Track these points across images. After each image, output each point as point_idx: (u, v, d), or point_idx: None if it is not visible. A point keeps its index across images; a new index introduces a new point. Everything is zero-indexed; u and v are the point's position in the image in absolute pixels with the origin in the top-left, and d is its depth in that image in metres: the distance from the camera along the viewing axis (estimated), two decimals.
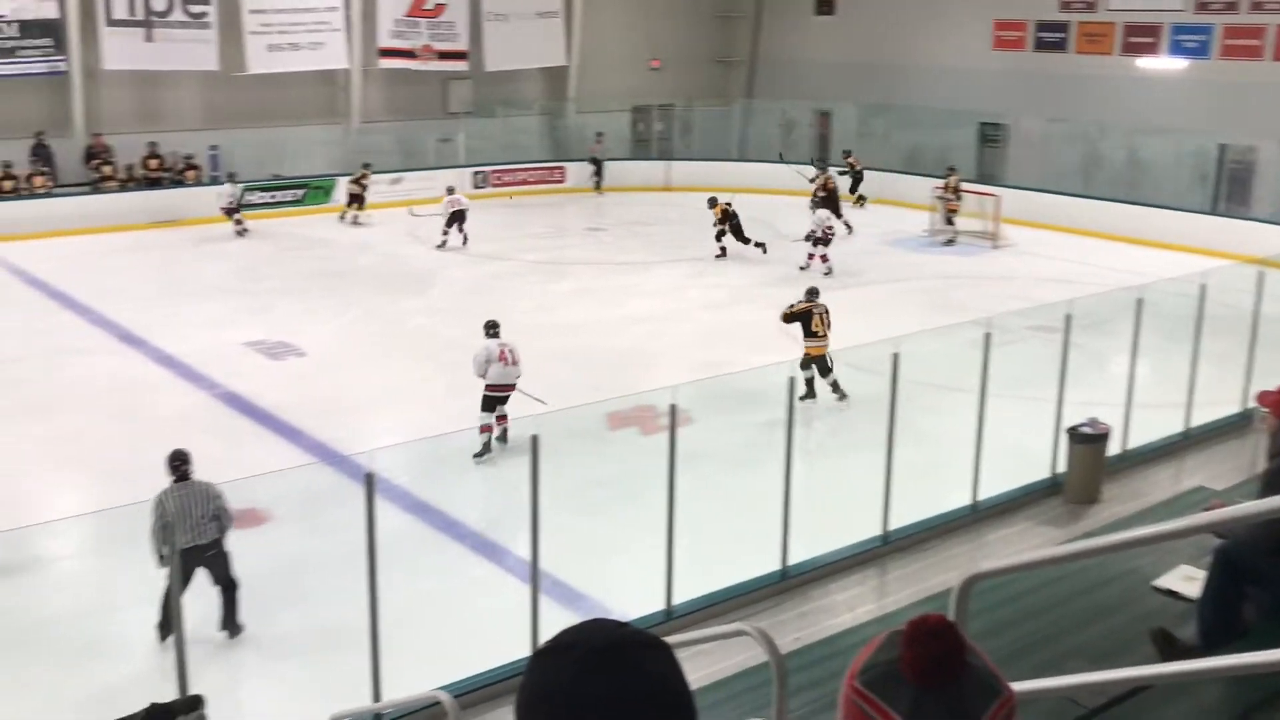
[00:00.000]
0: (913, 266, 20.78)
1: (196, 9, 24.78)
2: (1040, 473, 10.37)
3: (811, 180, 23.73)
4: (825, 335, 12.93)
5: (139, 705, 5.59)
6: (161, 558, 7.53)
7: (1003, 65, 26.87)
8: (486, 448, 11.35)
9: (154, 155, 24.76)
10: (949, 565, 8.86)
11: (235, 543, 9.42)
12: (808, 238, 19.91)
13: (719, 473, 10.59)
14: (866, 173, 26.15)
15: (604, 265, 20.31)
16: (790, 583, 8.63)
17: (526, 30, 29.28)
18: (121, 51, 24.17)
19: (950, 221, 22.91)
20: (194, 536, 7.80)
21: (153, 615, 7.70)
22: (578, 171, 28.85)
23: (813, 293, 13.35)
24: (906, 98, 27.78)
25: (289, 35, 26.07)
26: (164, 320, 16.31)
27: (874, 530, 9.29)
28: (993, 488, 10.03)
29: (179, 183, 24.80)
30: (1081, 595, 4.99)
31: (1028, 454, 10.56)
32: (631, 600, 8.23)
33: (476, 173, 28.04)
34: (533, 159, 29.65)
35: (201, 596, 7.89)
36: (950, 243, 22.59)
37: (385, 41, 27.57)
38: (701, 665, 5.49)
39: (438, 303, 17.99)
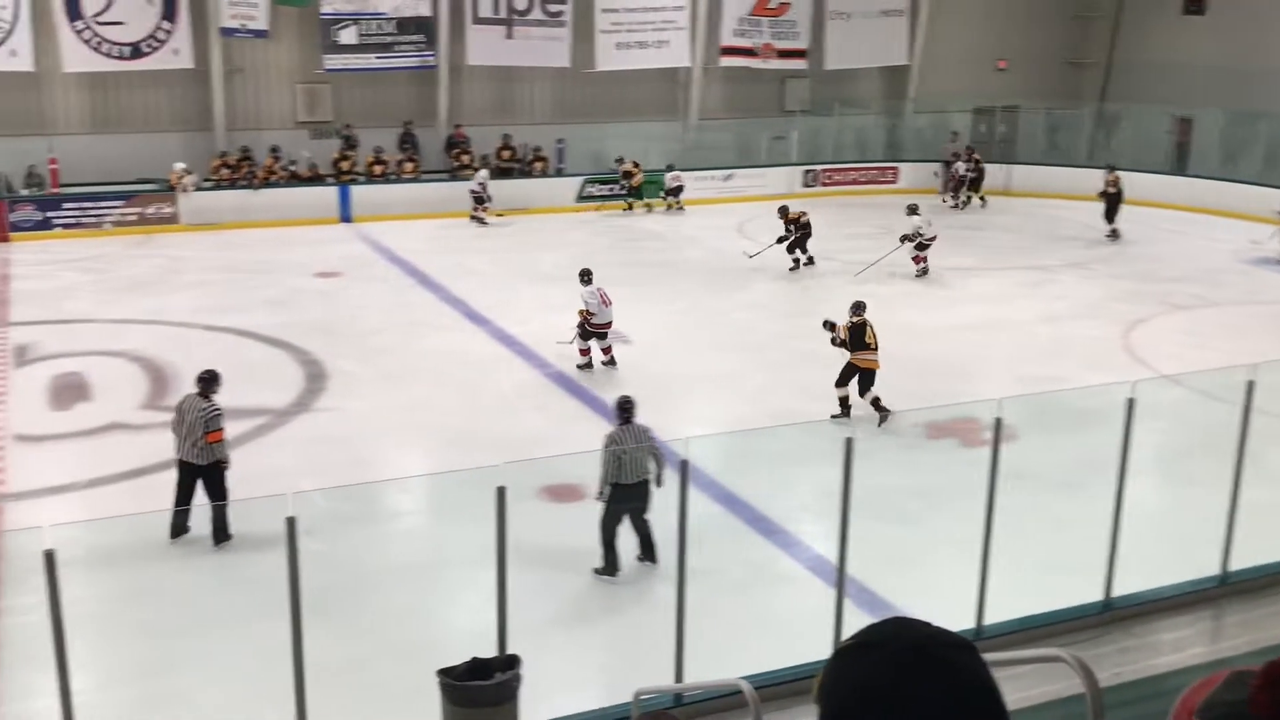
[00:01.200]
0: (1276, 288, 19.05)
1: (554, 8, 26.10)
2: None
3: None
4: (876, 348, 12.46)
5: (461, 659, 6.00)
6: (600, 494, 8.57)
7: None
8: (589, 366, 14.07)
9: (506, 146, 26.31)
10: None
11: (555, 516, 9.93)
12: (910, 239, 19.16)
13: (1041, 493, 10.13)
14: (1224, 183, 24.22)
15: (933, 269, 19.82)
16: (1113, 615, 8.13)
17: (869, 29, 28.97)
18: (484, 48, 25.84)
19: None
20: (636, 473, 8.63)
21: (482, 576, 8.18)
22: (911, 173, 28.29)
23: (859, 307, 12.80)
24: None
25: (636, 34, 27.00)
26: (506, 302, 17.33)
27: (1211, 569, 8.60)
28: None
29: (527, 173, 26.24)
30: None
31: None
32: (939, 615, 7.93)
33: (807, 171, 28.04)
34: (866, 159, 29.33)
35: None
36: None
37: (727, 40, 28.03)
38: (1011, 690, 5.27)
39: (761, 298, 18.14)
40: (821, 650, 6.79)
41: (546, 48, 26.21)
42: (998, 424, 7.43)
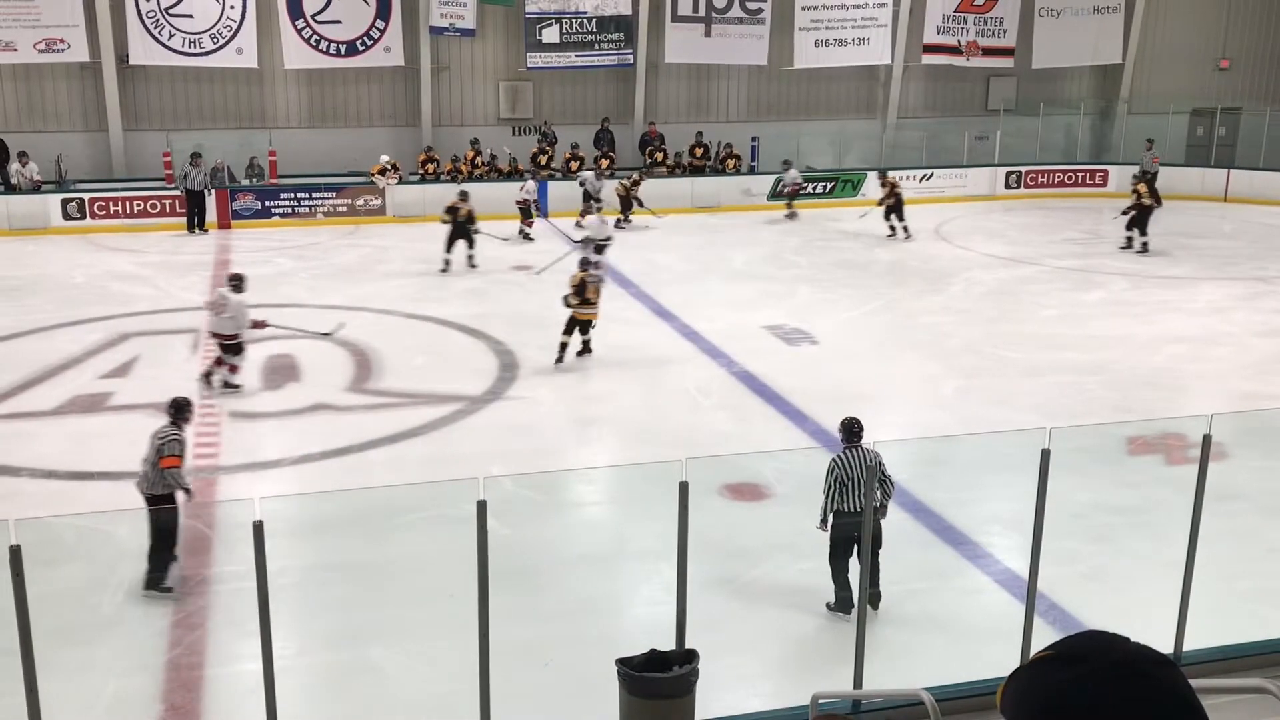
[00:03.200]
0: None
1: (754, 5, 26.08)
2: None
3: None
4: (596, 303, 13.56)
5: (639, 650, 6.07)
6: (824, 521, 7.90)
7: None
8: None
9: (699, 144, 26.41)
10: None
11: (737, 514, 9.92)
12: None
13: (1251, 516, 9.57)
14: None
15: (1142, 277, 18.93)
16: None
17: (1080, 26, 27.90)
18: (682, 45, 26.02)
19: None
20: (861, 501, 7.71)
21: (662, 569, 8.26)
22: (1119, 176, 27.10)
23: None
24: None
25: (836, 31, 26.72)
26: (695, 299, 17.41)
27: None
28: None
29: (719, 171, 26.29)
30: None
31: None
32: (1134, 636, 7.66)
33: (1010, 172, 27.21)
34: (1072, 160, 28.25)
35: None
36: None
37: (931, 38, 27.44)
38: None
39: (956, 303, 17.70)
40: (1006, 665, 6.59)
41: (744, 45, 26.20)
42: (1206, 441, 7.05)
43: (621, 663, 6.14)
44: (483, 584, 5.86)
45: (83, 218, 22.28)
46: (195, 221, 22.33)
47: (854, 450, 8.01)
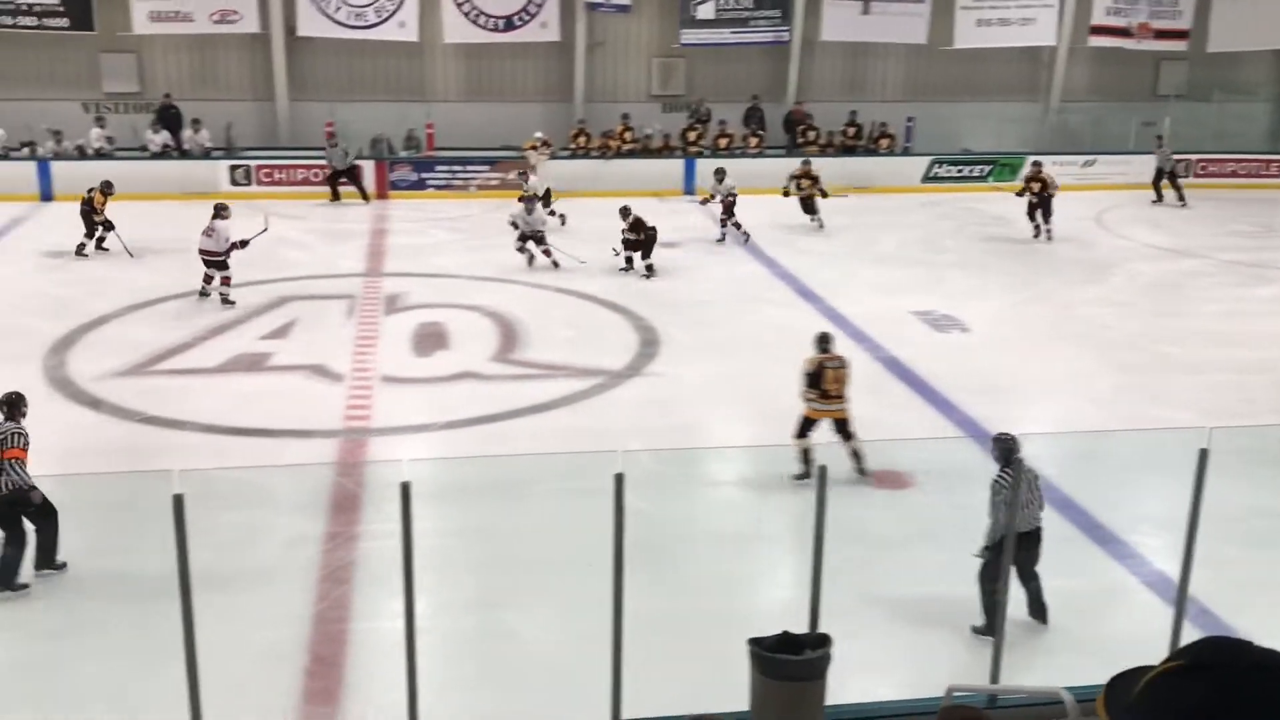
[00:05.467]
0: None
1: None
2: None
3: None
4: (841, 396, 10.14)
5: (772, 631, 6.05)
6: (983, 550, 7.59)
7: None
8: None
9: (852, 123, 26.01)
10: None
11: (876, 500, 9.80)
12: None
13: None
14: None
15: None
16: None
17: (1264, 8, 26.47)
18: (839, 23, 25.63)
19: None
20: (1027, 520, 7.54)
21: (797, 552, 8.19)
22: None
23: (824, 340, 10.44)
24: None
25: (999, 10, 25.96)
26: (841, 281, 17.19)
27: None
28: None
29: (872, 151, 25.86)
30: None
31: None
32: None
33: (1179, 160, 26.07)
34: (1249, 149, 26.91)
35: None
36: None
37: (1100, 18, 26.44)
38: None
39: (1116, 294, 17.08)
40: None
41: (903, 23, 25.66)
42: None
43: (753, 642, 6.13)
44: (618, 556, 5.91)
45: (249, 184, 23.17)
46: (356, 193, 23.01)
47: (1017, 469, 7.46)
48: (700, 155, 24.84)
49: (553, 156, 24.32)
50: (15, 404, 8.53)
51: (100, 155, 23.13)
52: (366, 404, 12.08)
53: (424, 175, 23.93)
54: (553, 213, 20.00)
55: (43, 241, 19.07)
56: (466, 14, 24.64)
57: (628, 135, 25.00)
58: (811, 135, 25.64)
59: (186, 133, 23.90)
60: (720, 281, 17.38)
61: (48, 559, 8.28)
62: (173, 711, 5.83)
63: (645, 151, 24.97)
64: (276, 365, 13.28)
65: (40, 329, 14.14)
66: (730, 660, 6.14)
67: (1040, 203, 20.09)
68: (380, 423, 11.61)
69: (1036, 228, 20.23)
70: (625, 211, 17.59)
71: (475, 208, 22.73)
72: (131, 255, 17.85)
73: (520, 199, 19.20)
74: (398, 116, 24.77)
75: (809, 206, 20.77)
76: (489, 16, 24.72)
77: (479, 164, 24.12)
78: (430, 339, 14.32)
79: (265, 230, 16.43)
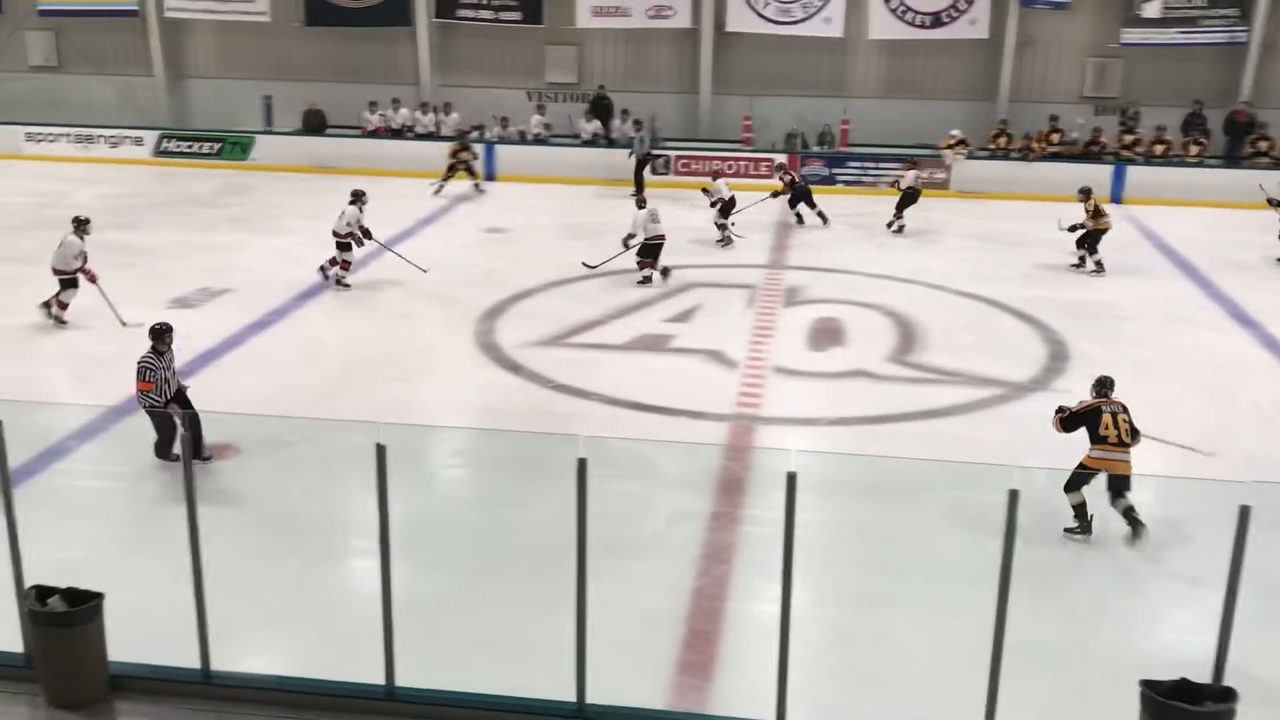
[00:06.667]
0: None
1: None
2: None
3: None
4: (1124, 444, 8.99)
5: (1167, 675, 5.59)
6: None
7: None
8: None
9: None
10: None
11: None
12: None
13: None
14: None
15: None
16: None
17: None
18: None
19: None
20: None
21: (1205, 596, 7.54)
22: None
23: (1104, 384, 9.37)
24: None
25: None
26: None
27: None
28: None
29: None
30: None
31: None
32: None
33: None
34: None
35: None
36: None
37: None
38: None
39: None
40: None
41: None
42: None
43: (1146, 684, 5.73)
44: (1005, 575, 5.70)
45: (667, 173, 24.18)
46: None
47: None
48: (1132, 162, 23.27)
49: (970, 156, 23.66)
50: (160, 334, 9.87)
51: (538, 140, 24.97)
52: (758, 392, 12.31)
53: (835, 171, 23.99)
54: (724, 227, 19.18)
55: (482, 219, 20.87)
56: (894, 10, 24.42)
57: (1054, 137, 23.81)
58: (1263, 145, 23.32)
59: (615, 122, 25.30)
60: (1145, 298, 16.21)
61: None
62: (559, 658, 6.24)
63: (1070, 154, 23.69)
64: (677, 348, 13.81)
65: (475, 298, 15.50)
66: (1115, 700, 5.77)
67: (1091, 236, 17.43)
68: (770, 412, 11.79)
69: (1081, 259, 17.63)
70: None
71: (884, 205, 22.50)
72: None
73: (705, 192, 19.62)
74: (814, 111, 24.98)
75: None
76: (917, 13, 24.37)
77: (891, 161, 23.87)
78: (826, 334, 14.36)
79: (422, 269, 16.38)
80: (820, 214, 20.58)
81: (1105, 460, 8.96)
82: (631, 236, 16.45)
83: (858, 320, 14.86)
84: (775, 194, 20.71)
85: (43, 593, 6.40)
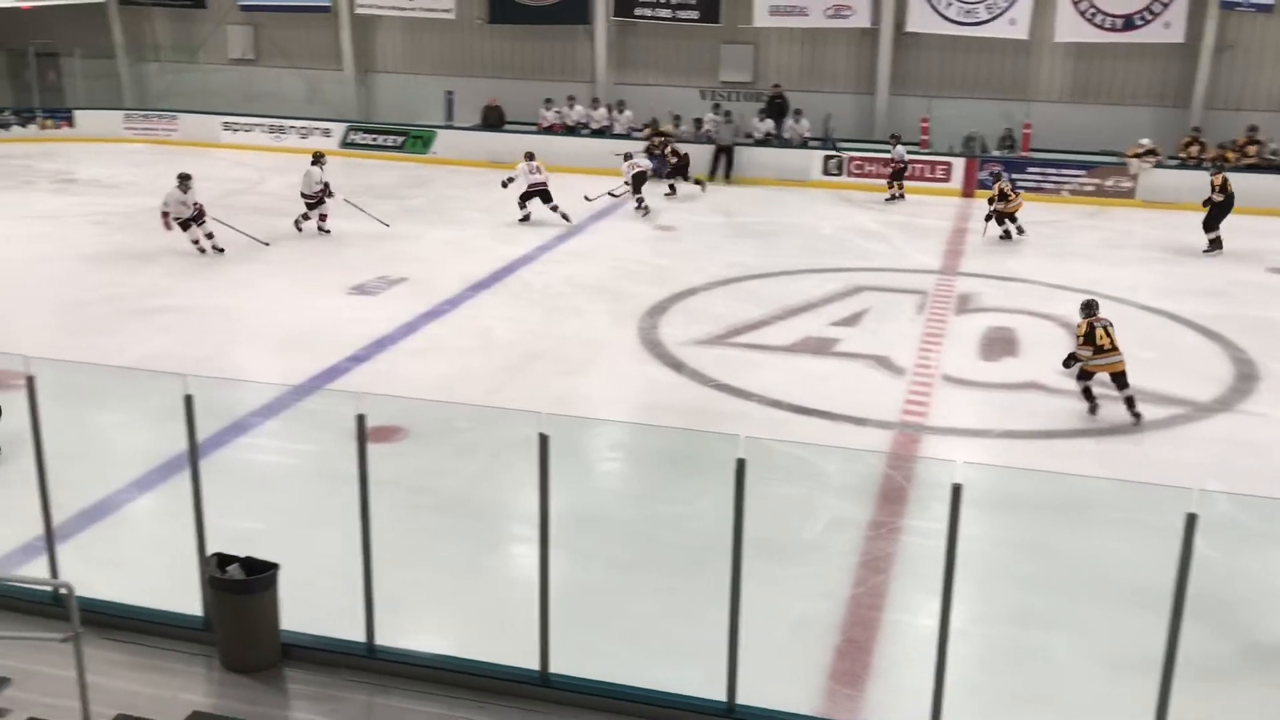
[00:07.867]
0: None
1: None
2: None
3: None
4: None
5: None
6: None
7: None
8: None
9: None
10: None
11: None
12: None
13: None
14: None
15: None
16: None
17: None
18: None
19: None
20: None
21: None
22: None
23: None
24: None
25: None
26: None
27: None
28: None
29: None
30: None
31: None
32: None
33: None
34: None
35: None
36: None
37: None
38: None
39: None
40: None
41: None
42: None
43: None
44: (1178, 601, 5.45)
45: (839, 174, 23.92)
46: (721, 172, 24.32)
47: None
48: None
49: (1158, 165, 22.68)
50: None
51: (710, 139, 25.00)
52: (925, 401, 12.07)
53: (1014, 176, 23.28)
54: (683, 181, 22.74)
55: (652, 216, 21.00)
56: (1083, 12, 23.58)
57: (1251, 149, 22.60)
58: None
59: (788, 121, 25.14)
60: None
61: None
62: (710, 656, 6.25)
63: (1268, 166, 22.45)
64: (842, 351, 13.64)
65: (642, 293, 15.64)
66: None
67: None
68: (936, 421, 11.55)
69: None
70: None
71: (1064, 213, 21.79)
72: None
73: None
74: (994, 114, 24.32)
75: None
76: (1107, 15, 23.47)
77: (1074, 168, 23.06)
78: (998, 344, 13.98)
79: (385, 224, 19.10)
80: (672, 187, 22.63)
81: (1105, 364, 11.45)
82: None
83: (1032, 330, 14.43)
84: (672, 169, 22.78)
85: (223, 560, 6.75)
